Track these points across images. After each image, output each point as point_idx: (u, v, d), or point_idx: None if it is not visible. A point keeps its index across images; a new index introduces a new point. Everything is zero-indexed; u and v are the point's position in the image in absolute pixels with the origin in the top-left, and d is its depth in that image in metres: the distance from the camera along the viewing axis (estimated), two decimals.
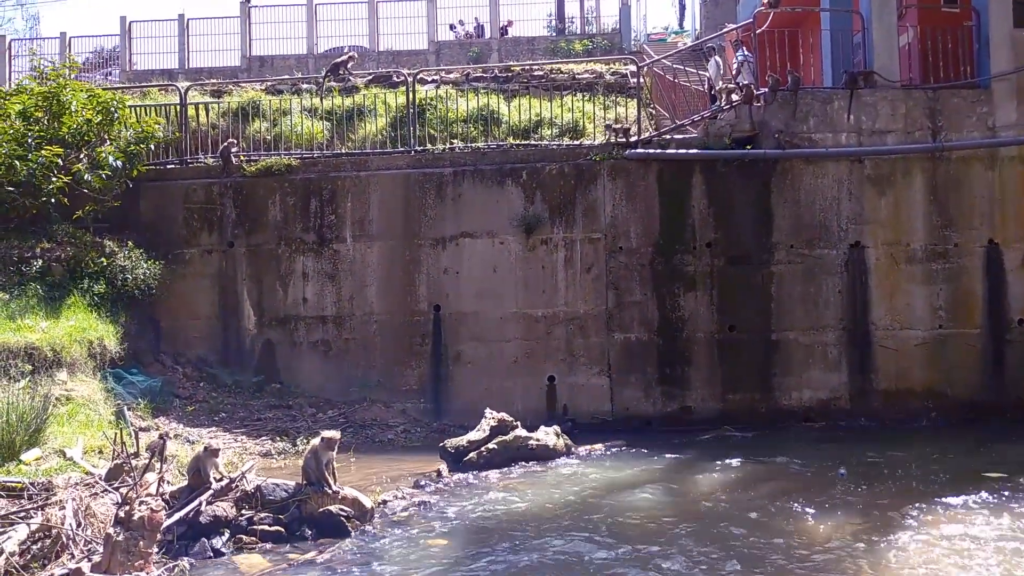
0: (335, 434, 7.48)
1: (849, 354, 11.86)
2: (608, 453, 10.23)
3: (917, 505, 7.71)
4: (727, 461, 9.79)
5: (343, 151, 13.06)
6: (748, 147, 11.99)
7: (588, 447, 10.29)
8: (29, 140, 11.46)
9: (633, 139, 12.31)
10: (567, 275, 12.11)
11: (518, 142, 12.80)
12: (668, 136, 12.46)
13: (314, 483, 7.20)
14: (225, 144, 12.72)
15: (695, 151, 12.13)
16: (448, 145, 12.83)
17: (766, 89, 12.10)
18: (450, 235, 12.34)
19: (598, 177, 12.19)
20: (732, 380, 11.82)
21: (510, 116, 13.34)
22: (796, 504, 7.87)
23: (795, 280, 11.93)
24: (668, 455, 10.03)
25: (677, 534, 7.06)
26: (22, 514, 6.66)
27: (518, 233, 12.19)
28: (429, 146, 12.86)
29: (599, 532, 7.13)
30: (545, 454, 9.84)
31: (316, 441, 7.42)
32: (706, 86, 13.90)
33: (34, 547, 6.29)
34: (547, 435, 10.07)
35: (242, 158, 12.82)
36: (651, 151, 12.16)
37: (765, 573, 6.12)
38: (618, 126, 12.38)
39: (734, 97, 12.22)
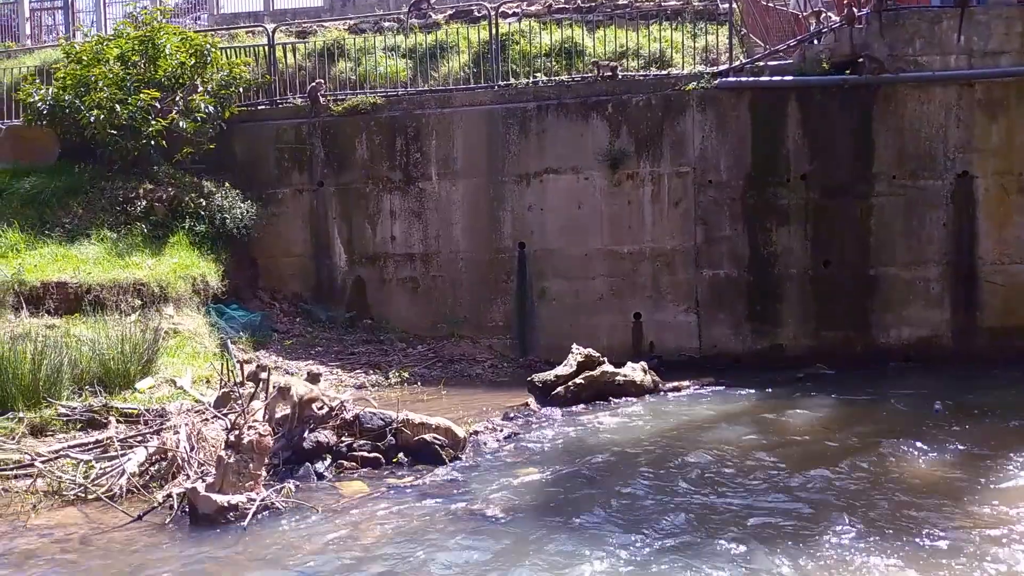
0: (320, 371, 8.01)
1: (953, 290, 11.31)
2: (696, 390, 10.14)
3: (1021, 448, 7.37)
4: (820, 399, 9.57)
5: (427, 88, 13.05)
6: (848, 72, 11.36)
7: (675, 383, 10.21)
8: (128, 84, 11.84)
9: (724, 67, 11.86)
10: (654, 210, 11.88)
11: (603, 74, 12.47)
12: (761, 63, 11.92)
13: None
14: (313, 84, 12.88)
15: (790, 78, 11.57)
16: (531, 79, 12.63)
17: (868, 9, 11.38)
18: (534, 171, 12.25)
19: (686, 108, 11.81)
20: (826, 317, 11.46)
21: (594, 48, 13.00)
22: (893, 442, 7.63)
23: (896, 213, 11.38)
24: (758, 392, 9.86)
25: (768, 470, 6.97)
26: (139, 438, 7.13)
27: (603, 168, 11.99)
28: (512, 81, 12.69)
29: (688, 466, 7.11)
30: (632, 390, 9.83)
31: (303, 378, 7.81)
32: (800, 7, 13.17)
33: (152, 468, 6.73)
34: (634, 371, 10.04)
35: (329, 98, 12.96)
36: (743, 79, 11.67)
37: (860, 510, 6.00)
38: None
39: (833, 18, 11.55)
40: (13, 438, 7.11)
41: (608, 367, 9.92)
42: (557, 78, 12.49)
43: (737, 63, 11.98)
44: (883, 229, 11.40)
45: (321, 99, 12.78)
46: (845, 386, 10.07)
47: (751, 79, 11.66)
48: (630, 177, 11.94)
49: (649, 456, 7.45)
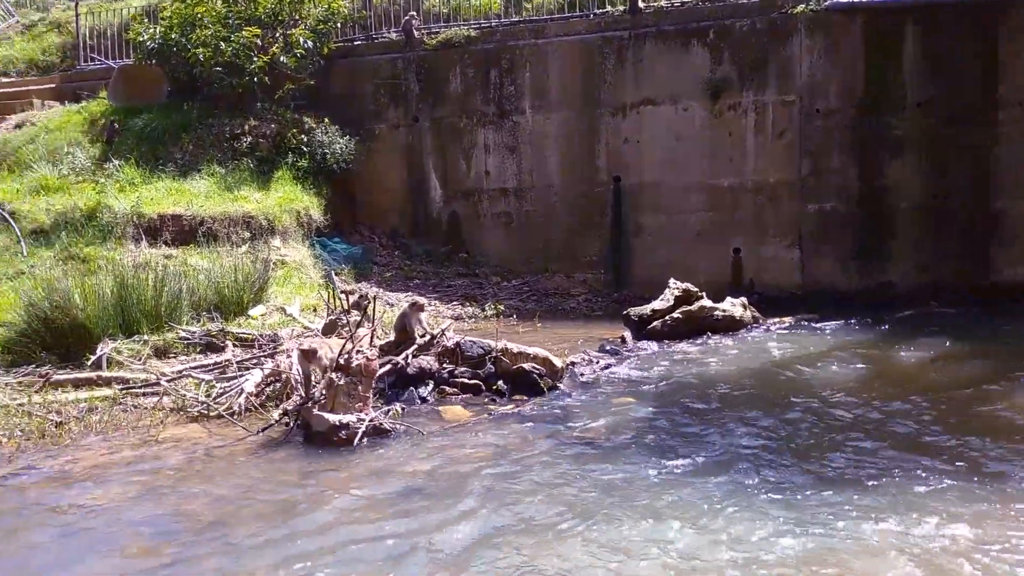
0: (422, 301, 7.93)
1: None
2: (798, 327, 9.85)
3: None
4: (931, 338, 9.13)
5: (520, 19, 12.83)
6: None
7: (777, 320, 9.98)
8: (231, 21, 12.10)
9: None
10: (757, 141, 11.46)
11: None
12: None
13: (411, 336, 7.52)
14: (407, 18, 12.87)
15: None
16: (628, 7, 12.21)
17: None
18: (630, 102, 11.97)
19: (794, 33, 11.23)
20: (941, 253, 10.92)
21: None
22: (1006, 385, 7.22)
23: (1023, 142, 10.62)
24: (864, 330, 9.51)
25: (871, 409, 6.65)
26: (254, 361, 7.48)
27: (703, 98, 11.60)
28: (608, 9, 12.32)
29: (786, 402, 6.94)
30: (731, 325, 9.65)
31: (405, 306, 7.89)
32: None
33: (267, 389, 7.07)
34: (733, 306, 9.84)
35: (423, 32, 12.93)
36: (856, 0, 10.98)
37: (970, 454, 5.73)
38: None
39: None
40: (140, 359, 7.59)
41: (706, 302, 9.75)
42: (656, 4, 12.05)
43: None
44: (1008, 160, 10.69)
45: (415, 33, 12.77)
46: (959, 326, 9.59)
47: (865, 0, 10.96)
48: (732, 107, 11.51)
49: (747, 391, 7.33)
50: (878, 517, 4.57)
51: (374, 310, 7.44)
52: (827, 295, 11.16)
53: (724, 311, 9.74)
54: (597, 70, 12.06)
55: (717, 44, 11.51)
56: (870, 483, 5.08)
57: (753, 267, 11.59)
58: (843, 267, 11.27)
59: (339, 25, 13.11)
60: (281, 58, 12.12)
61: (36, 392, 6.82)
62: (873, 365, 8.09)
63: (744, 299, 10.14)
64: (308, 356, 6.17)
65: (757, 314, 9.99)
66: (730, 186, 11.61)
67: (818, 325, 9.84)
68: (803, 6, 11.11)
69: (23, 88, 14.50)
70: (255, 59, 11.94)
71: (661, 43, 11.78)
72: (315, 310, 9.07)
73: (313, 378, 6.30)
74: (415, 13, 13.09)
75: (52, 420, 6.37)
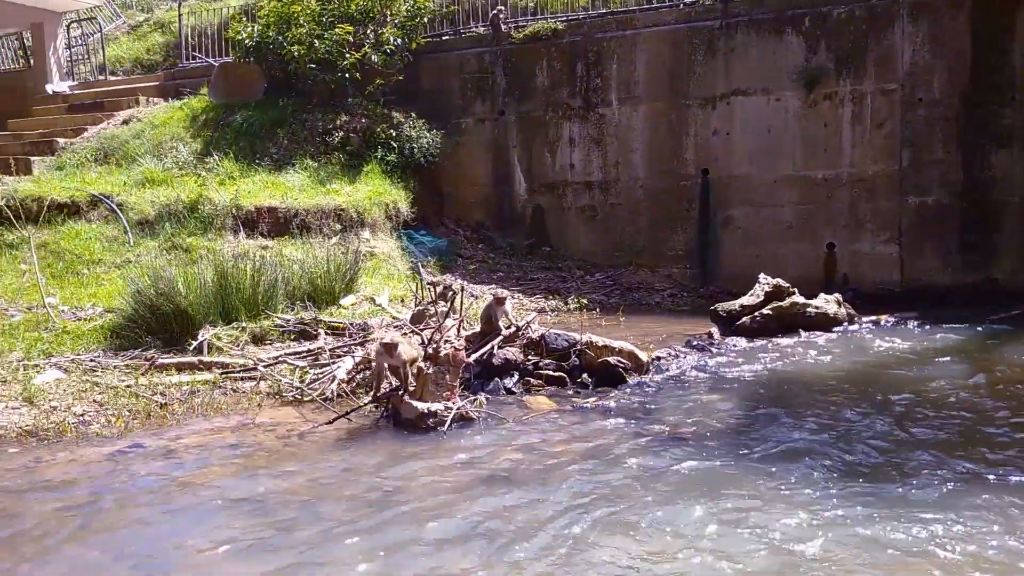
0: (505, 293, 7.78)
1: None
2: (897, 325, 9.47)
3: None
4: None
5: (608, 11, 12.73)
6: None
7: (873, 317, 9.60)
8: (324, 19, 12.44)
9: None
10: (854, 133, 11.05)
11: None
12: None
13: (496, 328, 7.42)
14: (494, 12, 12.95)
15: None
16: None
17: None
18: (720, 93, 11.72)
19: (895, 19, 10.77)
20: None
21: None
22: None
23: None
24: (968, 329, 9.05)
25: (972, 415, 6.33)
26: (346, 349, 7.69)
27: (797, 88, 11.26)
28: None
29: (883, 404, 6.64)
30: (824, 323, 9.34)
31: (489, 299, 7.74)
32: None
33: (358, 376, 7.25)
34: (827, 303, 9.53)
35: (510, 25, 12.98)
36: None
37: None
38: None
39: None
40: (238, 345, 7.90)
41: (799, 298, 9.48)
42: None
43: None
44: None
45: (502, 27, 12.83)
46: None
47: None
48: (828, 97, 11.14)
49: (840, 391, 7.08)
50: (964, 529, 4.35)
51: (461, 301, 7.53)
52: (927, 292, 10.71)
53: (817, 308, 9.44)
54: (686, 61, 11.86)
55: (813, 32, 11.14)
56: (960, 494, 4.83)
57: (848, 262, 11.20)
58: (944, 263, 10.77)
59: (426, 20, 13.29)
60: (371, 56, 12.38)
61: (142, 374, 7.18)
62: (975, 366, 7.70)
63: (838, 295, 9.81)
64: (389, 350, 6.29)
65: (852, 311, 9.64)
66: (824, 178, 11.24)
67: (918, 323, 9.45)
68: None
69: (129, 86, 15.28)
70: (347, 56, 12.24)
71: (753, 32, 11.48)
72: (403, 301, 9.26)
73: (401, 370, 6.43)
74: (503, 7, 13.16)
75: (157, 401, 6.70)
